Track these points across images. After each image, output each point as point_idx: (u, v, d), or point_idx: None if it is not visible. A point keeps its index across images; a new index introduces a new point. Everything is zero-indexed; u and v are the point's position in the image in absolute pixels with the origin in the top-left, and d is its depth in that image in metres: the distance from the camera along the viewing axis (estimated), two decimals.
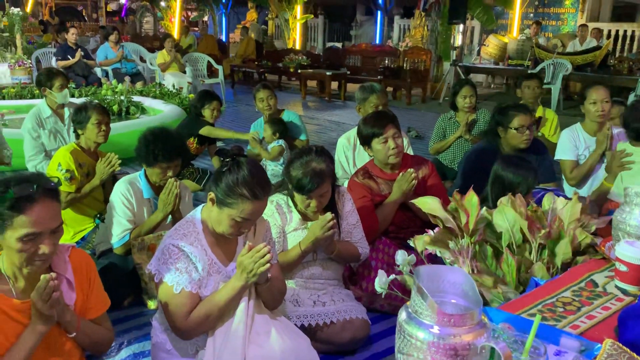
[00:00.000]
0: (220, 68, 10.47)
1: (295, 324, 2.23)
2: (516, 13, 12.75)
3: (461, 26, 11.12)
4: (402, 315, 0.97)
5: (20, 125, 5.30)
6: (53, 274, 1.64)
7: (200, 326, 1.90)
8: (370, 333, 2.53)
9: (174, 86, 8.03)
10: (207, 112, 4.82)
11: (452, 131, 4.62)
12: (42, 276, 1.64)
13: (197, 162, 5.35)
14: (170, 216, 2.93)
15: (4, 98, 6.72)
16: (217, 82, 10.19)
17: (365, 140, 2.89)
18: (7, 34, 8.92)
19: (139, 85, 8.50)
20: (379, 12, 15.29)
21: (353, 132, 3.73)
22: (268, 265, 1.81)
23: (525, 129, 3.15)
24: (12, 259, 1.67)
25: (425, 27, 12.39)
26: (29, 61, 8.39)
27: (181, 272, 1.89)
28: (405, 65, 11.06)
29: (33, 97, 6.83)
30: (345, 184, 3.04)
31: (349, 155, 3.67)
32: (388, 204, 2.84)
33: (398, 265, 1.83)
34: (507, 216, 1.81)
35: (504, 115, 3.23)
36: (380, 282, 1.79)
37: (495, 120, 3.30)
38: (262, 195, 1.89)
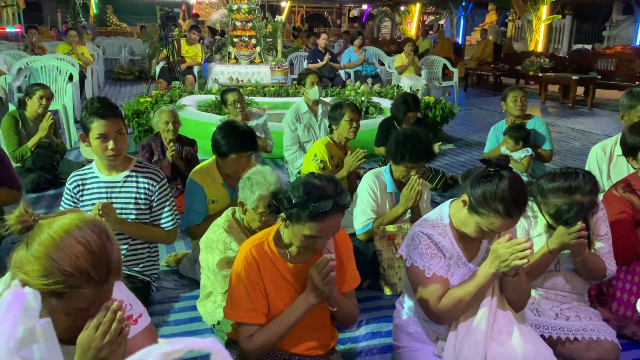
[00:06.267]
0: (455, 71, 10.44)
1: None
2: None
3: None
4: None
5: (277, 120, 6.08)
6: (332, 255, 1.89)
7: (452, 310, 1.94)
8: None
9: (410, 88, 8.27)
10: (410, 116, 4.75)
11: None
12: (323, 256, 1.90)
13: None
14: (409, 211, 3.08)
15: (264, 95, 7.68)
16: (451, 85, 10.19)
17: (631, 151, 2.63)
18: (270, 39, 10.20)
19: (376, 87, 8.96)
20: None
21: (609, 141, 3.41)
22: (525, 260, 1.78)
23: None
24: (292, 238, 1.94)
25: None
26: (286, 63, 9.50)
27: (431, 257, 1.97)
28: None
29: (287, 95, 7.69)
30: (600, 197, 2.81)
31: (603, 167, 3.37)
32: None
33: None
34: None
35: None
36: None
37: None
38: (517, 214, 1.84)
